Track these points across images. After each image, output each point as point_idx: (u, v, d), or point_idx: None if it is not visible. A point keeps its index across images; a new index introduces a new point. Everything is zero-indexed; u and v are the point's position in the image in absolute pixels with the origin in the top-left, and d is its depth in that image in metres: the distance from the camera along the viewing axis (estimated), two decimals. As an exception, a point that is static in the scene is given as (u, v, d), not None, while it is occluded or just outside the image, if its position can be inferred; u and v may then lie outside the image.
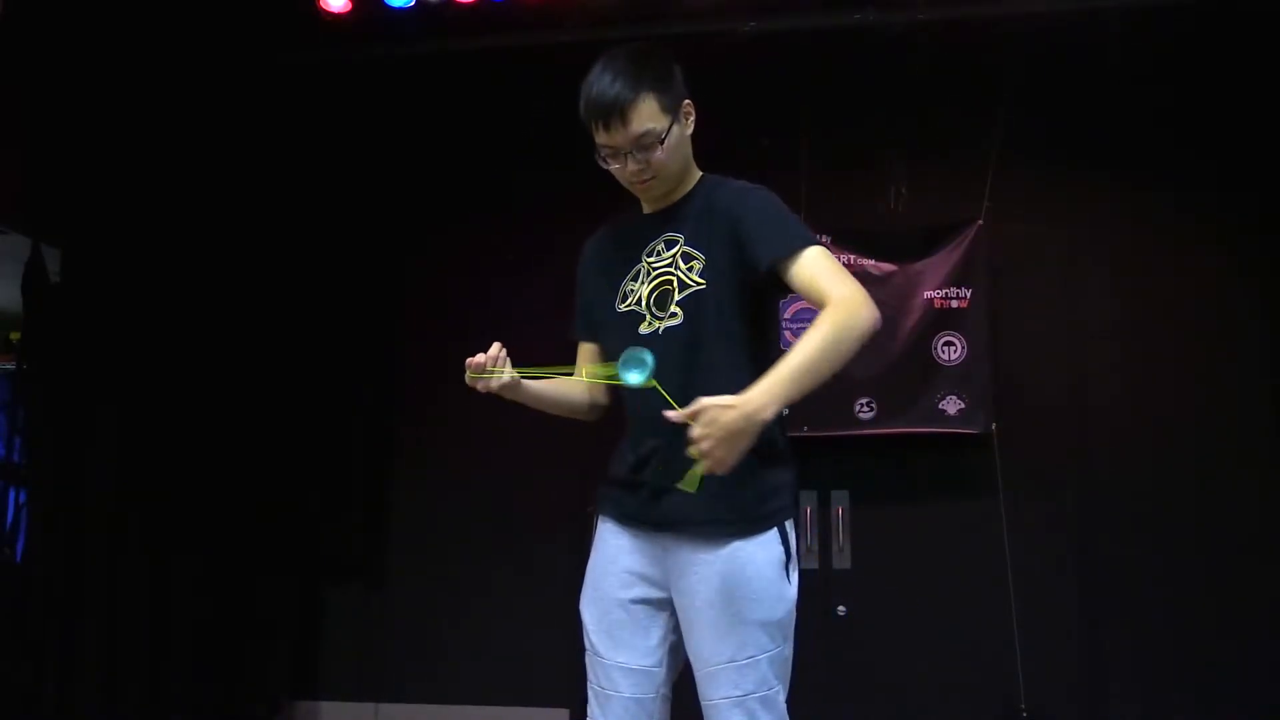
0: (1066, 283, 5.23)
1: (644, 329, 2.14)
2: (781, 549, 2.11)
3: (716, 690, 2.07)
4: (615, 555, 2.22)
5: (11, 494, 4.64)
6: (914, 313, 5.10)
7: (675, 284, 2.12)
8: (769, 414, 1.83)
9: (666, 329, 2.12)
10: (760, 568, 2.08)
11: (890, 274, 5.15)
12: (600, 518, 2.32)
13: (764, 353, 2.14)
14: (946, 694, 4.92)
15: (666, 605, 2.16)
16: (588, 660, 2.24)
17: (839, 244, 5.15)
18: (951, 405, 5.01)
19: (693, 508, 2.05)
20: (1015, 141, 5.12)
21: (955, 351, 5.05)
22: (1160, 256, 5.19)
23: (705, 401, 1.79)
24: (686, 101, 2.18)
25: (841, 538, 5.14)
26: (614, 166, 2.16)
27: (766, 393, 1.84)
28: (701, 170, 2.31)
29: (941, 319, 5.08)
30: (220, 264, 5.06)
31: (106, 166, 4.54)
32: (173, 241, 4.81)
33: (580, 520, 5.24)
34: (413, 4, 4.94)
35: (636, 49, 2.14)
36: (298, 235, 5.58)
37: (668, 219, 2.21)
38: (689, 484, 1.88)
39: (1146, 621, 4.93)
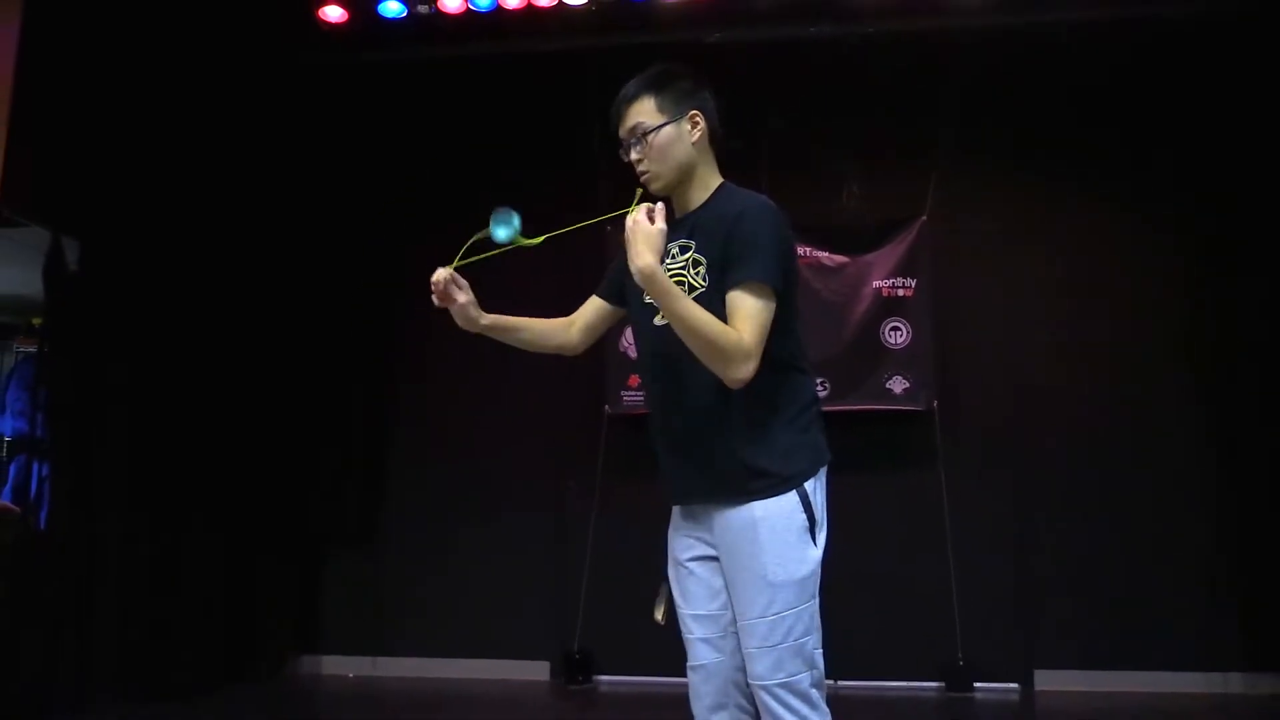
0: (1004, 273, 5.40)
1: (658, 321, 2.19)
2: (803, 513, 2.14)
3: (750, 640, 2.14)
4: (678, 523, 2.38)
5: (35, 467, 4.69)
6: (864, 300, 5.27)
7: (685, 286, 2.16)
8: (651, 273, 2.01)
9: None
10: (780, 531, 2.12)
11: (843, 265, 5.31)
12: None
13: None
14: (892, 645, 5.09)
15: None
16: (678, 612, 2.39)
17: (798, 237, 5.25)
18: (898, 384, 5.19)
19: (714, 478, 2.18)
20: (958, 144, 5.28)
21: (901, 336, 5.22)
22: (1090, 249, 5.36)
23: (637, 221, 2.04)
24: (694, 112, 2.23)
25: (797, 505, 5.28)
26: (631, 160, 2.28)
27: (665, 283, 2.03)
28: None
29: (889, 306, 5.26)
30: (229, 251, 5.15)
31: (122, 162, 4.62)
32: (184, 232, 4.90)
33: (557, 490, 5.41)
34: (405, 14, 5.01)
35: (666, 67, 2.28)
36: (302, 224, 5.67)
37: (685, 224, 2.26)
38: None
39: (1072, 581, 5.13)
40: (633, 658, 5.21)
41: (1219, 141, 5.21)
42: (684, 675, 5.54)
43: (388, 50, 5.26)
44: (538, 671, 5.34)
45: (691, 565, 2.30)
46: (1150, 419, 5.18)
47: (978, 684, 5.02)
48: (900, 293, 5.23)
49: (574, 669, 5.23)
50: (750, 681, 2.15)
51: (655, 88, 2.22)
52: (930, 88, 5.25)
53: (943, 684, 5.05)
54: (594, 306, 2.52)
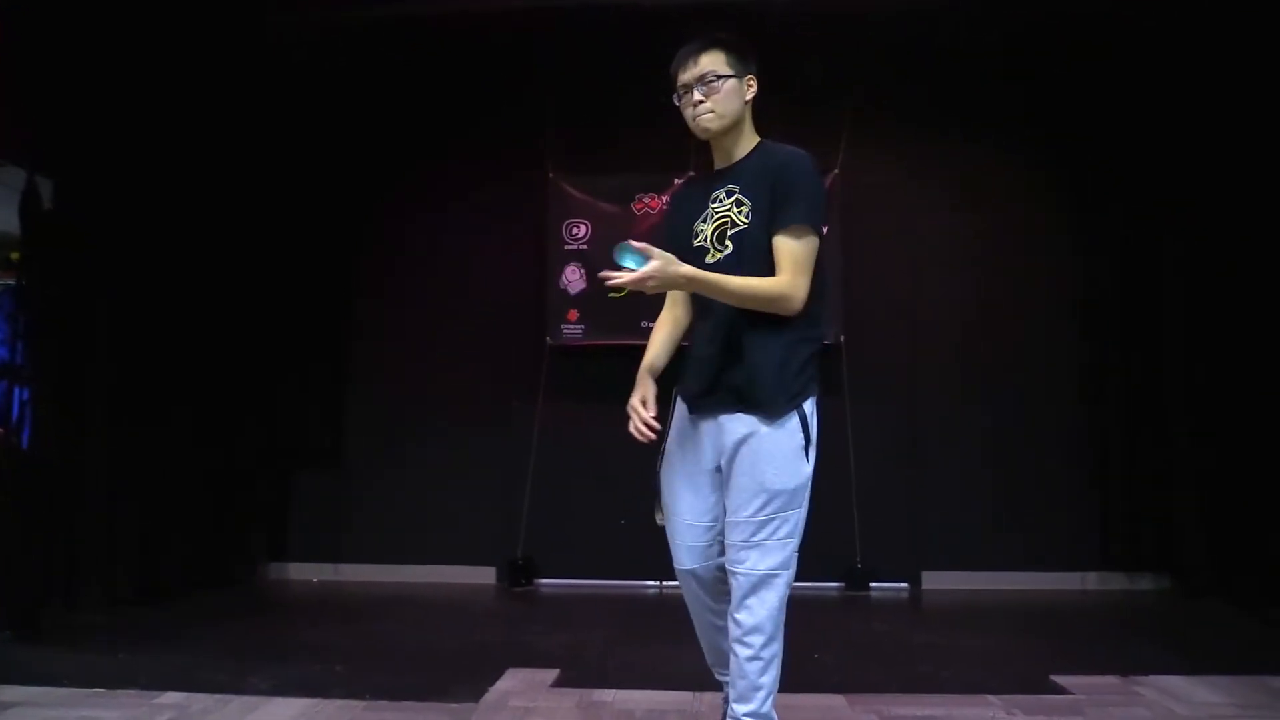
0: (907, 222, 5.70)
1: (709, 259, 2.40)
2: (801, 434, 2.35)
3: (738, 535, 2.35)
4: (690, 437, 2.54)
5: (16, 392, 4.71)
6: None
7: (729, 224, 2.39)
8: (686, 278, 2.27)
9: (722, 258, 2.39)
10: (781, 445, 2.34)
11: (763, 212, 5.54)
12: (677, 403, 2.61)
13: None
14: (802, 550, 5.35)
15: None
16: (667, 520, 2.65)
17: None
18: (809, 321, 5.47)
19: (734, 394, 2.38)
20: (868, 102, 5.56)
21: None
22: (987, 202, 5.68)
23: (659, 260, 2.22)
24: (750, 76, 2.45)
25: (719, 428, 5.59)
26: (683, 102, 2.44)
27: (697, 273, 2.28)
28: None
29: (804, 250, 5.50)
30: (198, 188, 5.21)
31: (93, 105, 4.65)
32: (154, 170, 4.96)
33: (502, 412, 5.66)
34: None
35: (736, 32, 2.47)
36: (270, 161, 5.72)
37: (730, 173, 2.46)
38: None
39: (956, 494, 5.55)
40: (569, 563, 5.61)
41: (1113, 102, 5.50)
42: (612, 578, 6.00)
43: (355, 8, 5.28)
44: (484, 576, 5.64)
45: (703, 475, 2.50)
46: (1028, 355, 5.57)
47: (873, 584, 5.41)
48: (814, 238, 5.52)
49: (517, 573, 5.56)
50: (732, 567, 2.36)
51: (727, 46, 2.44)
52: (845, 49, 5.46)
53: (843, 584, 5.42)
54: None
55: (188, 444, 5.13)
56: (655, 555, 5.50)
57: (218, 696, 3.21)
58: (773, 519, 2.34)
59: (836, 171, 5.53)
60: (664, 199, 5.63)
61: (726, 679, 2.60)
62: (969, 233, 5.67)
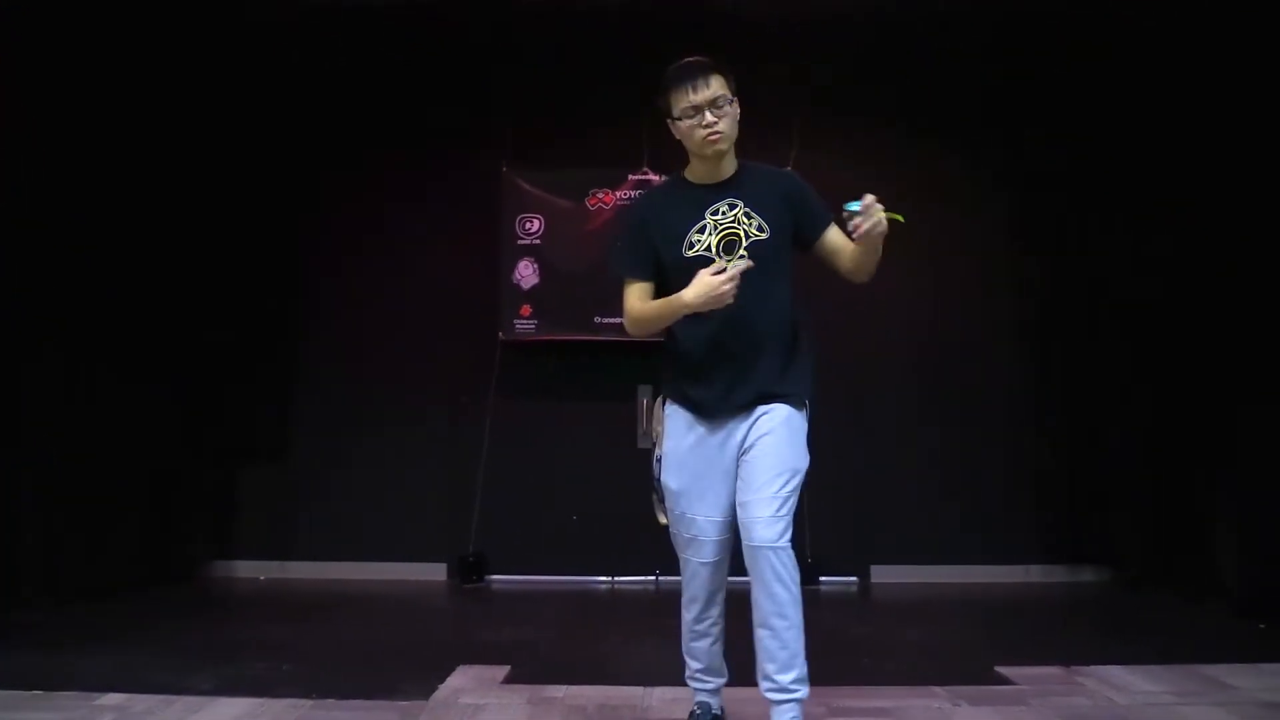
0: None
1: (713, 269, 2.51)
2: (806, 423, 2.58)
3: (764, 510, 2.44)
4: (699, 438, 2.59)
5: None
6: None
7: (741, 235, 2.52)
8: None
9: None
10: (796, 430, 2.54)
11: (716, 209, 5.55)
12: (677, 411, 2.63)
13: (793, 287, 2.64)
14: None
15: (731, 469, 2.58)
16: (678, 519, 2.65)
17: (675, 183, 5.54)
18: (761, 316, 5.49)
19: (762, 386, 2.52)
20: (819, 103, 5.62)
21: (765, 274, 5.51)
22: (937, 201, 5.65)
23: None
24: (736, 99, 2.56)
25: (671, 423, 5.62)
26: (689, 122, 2.50)
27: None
28: None
29: (755, 247, 5.53)
30: (144, 180, 5.12)
31: (35, 91, 4.53)
32: (95, 161, 4.84)
33: (454, 408, 5.61)
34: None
35: (710, 57, 2.56)
36: (216, 147, 5.63)
37: (724, 187, 2.59)
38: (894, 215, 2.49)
39: (903, 490, 5.61)
40: (521, 559, 5.59)
41: (1061, 103, 5.59)
42: (564, 574, 5.96)
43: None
44: (435, 573, 5.60)
45: (716, 477, 2.57)
46: (975, 353, 5.65)
47: (823, 578, 5.46)
48: (764, 235, 5.55)
49: (468, 570, 5.53)
50: (754, 544, 2.44)
51: (724, 70, 2.54)
52: (799, 49, 5.52)
53: (794, 578, 5.51)
54: (647, 288, 2.63)
55: (131, 439, 5.03)
56: (607, 551, 5.61)
57: (161, 697, 3.15)
58: (791, 495, 2.48)
59: (789, 169, 5.53)
60: (619, 195, 5.63)
61: (709, 684, 2.76)
62: (919, 231, 5.64)
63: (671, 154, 5.86)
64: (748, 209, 2.55)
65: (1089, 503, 5.56)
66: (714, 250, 2.52)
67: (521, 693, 3.27)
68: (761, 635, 2.49)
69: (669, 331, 2.65)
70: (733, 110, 2.53)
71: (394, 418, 5.68)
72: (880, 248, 2.50)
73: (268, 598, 5.22)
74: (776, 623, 2.45)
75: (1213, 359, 4.93)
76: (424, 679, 3.38)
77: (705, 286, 2.38)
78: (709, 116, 2.49)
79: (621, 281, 2.65)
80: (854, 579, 5.52)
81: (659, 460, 2.69)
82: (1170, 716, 2.99)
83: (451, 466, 5.65)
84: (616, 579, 5.59)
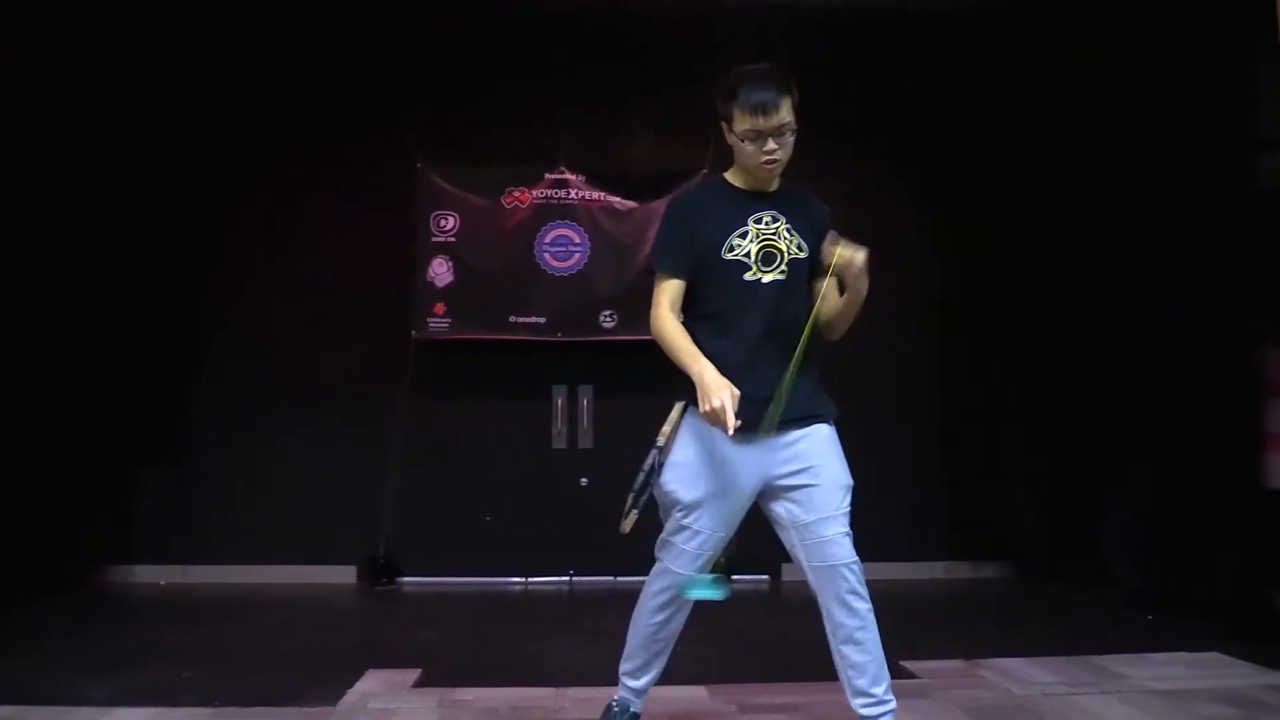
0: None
1: (748, 276, 2.50)
2: None
3: (833, 529, 2.46)
4: (726, 453, 2.48)
5: None
6: (650, 242, 5.46)
7: (781, 250, 2.52)
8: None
9: (774, 281, 2.52)
10: (840, 447, 2.57)
11: (632, 210, 5.65)
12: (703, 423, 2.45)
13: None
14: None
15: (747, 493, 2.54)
16: (677, 526, 2.56)
17: (592, 183, 5.61)
18: (677, 318, 5.53)
19: (805, 405, 2.51)
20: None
21: (680, 275, 5.54)
22: (848, 204, 5.53)
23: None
24: None
25: (586, 423, 5.70)
26: (750, 145, 2.47)
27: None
28: None
29: (671, 248, 5.56)
30: (41, 176, 4.91)
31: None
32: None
33: (365, 407, 5.52)
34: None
35: (779, 69, 2.50)
36: (130, 150, 5.47)
37: (769, 199, 2.57)
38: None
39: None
40: (433, 560, 5.53)
41: (968, 108, 5.73)
42: (477, 575, 5.90)
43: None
44: (344, 575, 5.51)
45: (735, 494, 2.50)
46: (884, 355, 5.71)
47: (735, 577, 5.43)
48: (682, 236, 5.59)
49: (379, 572, 5.45)
50: (832, 564, 2.44)
51: (791, 95, 2.47)
52: (714, 50, 5.50)
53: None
54: (681, 287, 2.56)
55: (24, 441, 4.81)
56: (520, 552, 5.58)
57: (54, 709, 3.04)
58: (849, 510, 2.51)
59: (705, 172, 5.58)
60: (535, 193, 5.60)
61: (640, 683, 2.74)
62: (840, 228, 5.77)
63: (591, 154, 5.91)
64: (790, 225, 2.55)
65: (992, 502, 5.74)
66: (752, 258, 2.50)
67: (432, 696, 3.24)
68: (847, 652, 2.46)
69: (696, 342, 2.51)
70: (793, 136, 2.49)
71: (303, 417, 5.56)
72: (858, 306, 2.55)
73: (168, 603, 5.07)
74: (863, 636, 2.45)
75: (1102, 360, 5.15)
76: (331, 684, 3.32)
77: (721, 400, 2.25)
78: (770, 144, 2.46)
79: (654, 276, 2.57)
80: (765, 577, 5.57)
81: (660, 466, 2.55)
82: (1065, 706, 3.11)
83: (362, 466, 5.55)
84: (530, 580, 5.57)
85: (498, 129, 5.67)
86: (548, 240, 5.58)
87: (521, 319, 5.53)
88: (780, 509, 2.53)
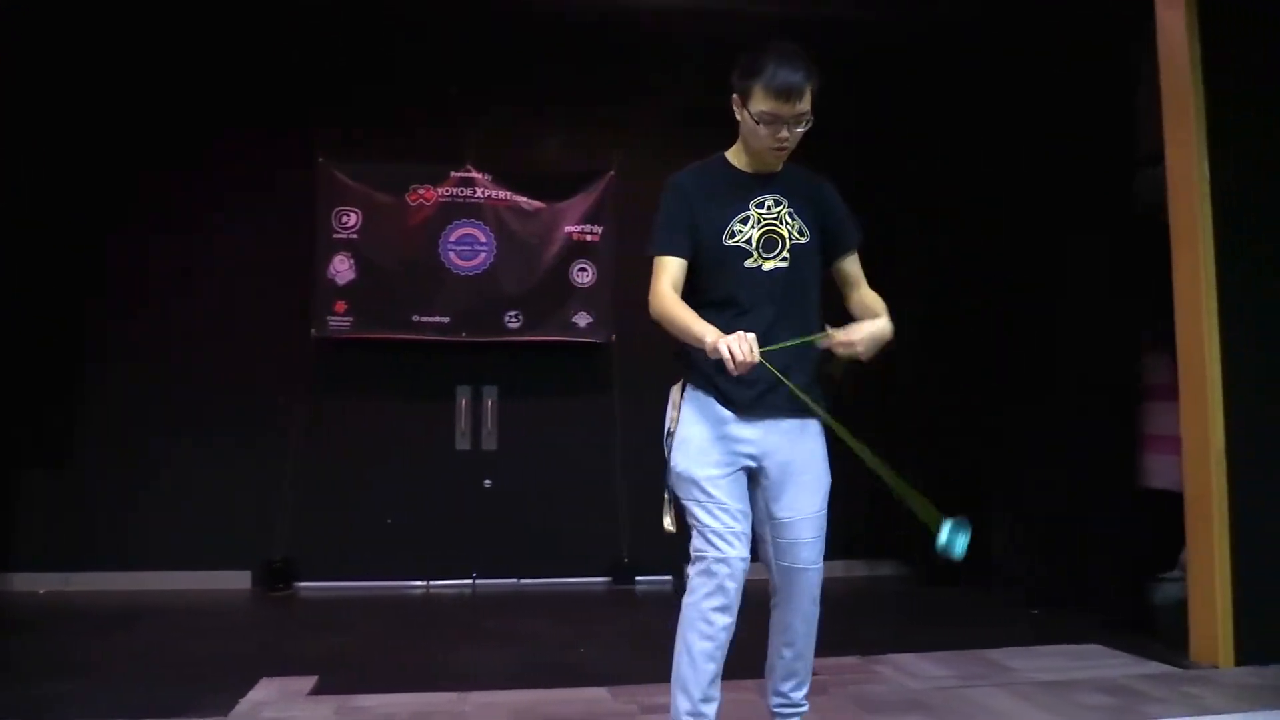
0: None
1: (749, 263, 2.39)
2: None
3: (808, 531, 2.40)
4: (730, 434, 2.40)
5: None
6: (556, 243, 5.62)
7: (783, 235, 2.41)
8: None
9: (776, 268, 2.41)
10: (824, 447, 2.49)
11: (539, 210, 5.63)
12: (705, 399, 2.43)
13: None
14: (568, 545, 5.54)
15: (749, 471, 2.44)
16: (706, 510, 2.37)
17: (499, 183, 5.56)
18: (582, 319, 5.60)
19: (795, 401, 2.38)
20: (643, 110, 5.70)
21: (587, 276, 5.62)
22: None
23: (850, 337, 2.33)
24: None
25: (490, 424, 5.65)
26: (764, 128, 2.34)
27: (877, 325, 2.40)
28: None
29: (578, 249, 5.64)
30: None
31: None
32: None
33: (261, 407, 5.37)
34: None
35: (801, 51, 2.36)
36: (11, 130, 5.11)
37: (770, 182, 2.46)
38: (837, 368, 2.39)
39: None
40: (332, 564, 5.41)
41: (879, 107, 5.81)
42: (377, 579, 5.80)
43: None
44: (239, 580, 5.34)
45: (740, 472, 2.42)
46: None
47: (639, 577, 5.55)
48: (588, 238, 5.63)
49: (275, 577, 5.30)
50: (798, 566, 2.40)
51: (817, 82, 2.34)
52: (623, 57, 5.61)
53: (610, 578, 5.55)
54: (682, 267, 2.42)
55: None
56: (422, 555, 5.50)
57: (-82, 725, 2.88)
58: (825, 512, 2.46)
59: (612, 174, 5.64)
60: (440, 191, 5.53)
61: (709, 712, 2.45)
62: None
63: (498, 153, 5.85)
64: (791, 209, 2.44)
65: (888, 501, 5.85)
66: (754, 244, 2.40)
67: (329, 704, 3.16)
68: (786, 654, 2.47)
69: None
70: (809, 126, 2.38)
71: (196, 417, 5.36)
72: (880, 340, 2.39)
73: (49, 613, 4.81)
74: (804, 643, 2.46)
75: (996, 364, 5.35)
76: (224, 694, 3.21)
77: (739, 352, 2.15)
78: (784, 132, 2.35)
79: (652, 259, 2.44)
80: (669, 578, 5.58)
81: (671, 447, 2.49)
82: (956, 699, 3.21)
83: (259, 469, 5.39)
84: (432, 583, 5.50)
85: (403, 125, 5.58)
86: (453, 239, 5.52)
87: (425, 318, 5.46)
88: (760, 498, 2.44)
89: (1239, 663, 3.49)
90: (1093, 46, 4.61)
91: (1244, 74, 3.72)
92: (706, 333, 2.24)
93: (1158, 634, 3.95)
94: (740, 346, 2.16)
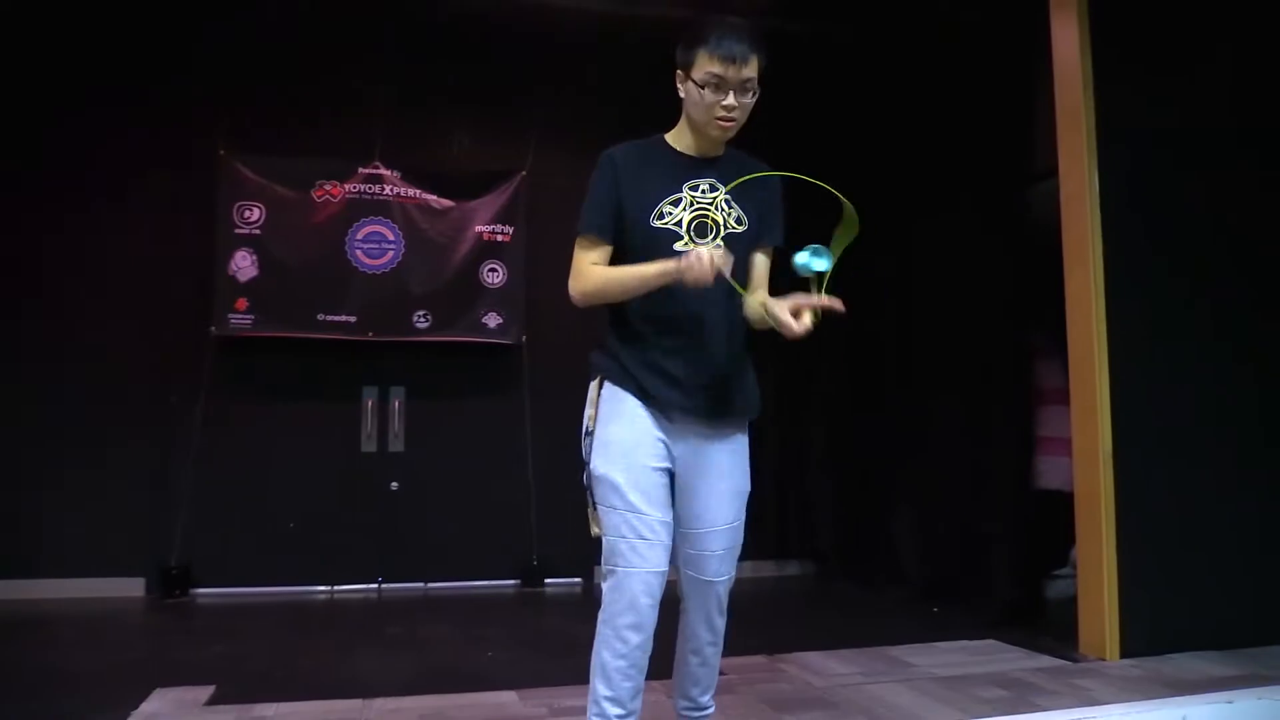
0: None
1: (679, 246, 2.25)
2: None
3: (719, 543, 2.31)
4: (652, 434, 2.28)
5: None
6: (467, 243, 5.56)
7: (717, 222, 2.31)
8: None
9: None
10: (748, 454, 2.41)
11: (449, 209, 5.56)
12: (625, 396, 2.31)
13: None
14: (476, 548, 5.52)
15: (671, 474, 2.32)
16: (621, 518, 2.23)
17: (408, 180, 5.48)
18: (492, 320, 5.55)
19: (737, 400, 2.34)
20: (556, 112, 5.68)
21: (497, 277, 5.57)
22: None
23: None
24: None
25: (398, 425, 5.56)
26: (708, 94, 2.22)
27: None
28: None
29: (488, 249, 5.59)
30: None
31: None
32: None
33: (157, 408, 5.19)
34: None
35: (752, 28, 2.26)
36: None
37: (706, 165, 2.35)
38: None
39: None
40: (231, 570, 5.25)
41: (806, 110, 5.67)
42: (278, 584, 5.68)
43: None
44: (132, 588, 5.14)
45: (663, 474, 2.29)
46: None
47: (548, 580, 5.54)
48: (499, 238, 5.59)
49: (170, 583, 5.13)
50: (708, 578, 2.32)
51: (764, 54, 2.25)
52: (537, 60, 5.61)
53: (519, 581, 5.52)
54: (605, 253, 2.34)
55: None
56: (326, 559, 5.39)
57: None
58: (741, 524, 2.38)
59: (524, 173, 5.61)
60: (348, 188, 5.42)
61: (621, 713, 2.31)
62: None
63: (407, 150, 5.78)
64: (728, 196, 2.33)
65: (795, 502, 6.01)
66: (684, 227, 2.28)
67: (227, 713, 3.08)
68: (693, 662, 2.44)
69: (619, 312, 2.35)
70: (754, 100, 2.27)
71: (87, 416, 5.14)
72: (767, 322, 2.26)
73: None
74: (710, 651, 2.43)
75: (898, 367, 5.49)
76: (115, 705, 3.09)
77: (703, 260, 2.05)
78: (731, 99, 2.22)
79: (575, 240, 2.35)
80: (578, 580, 5.60)
81: (589, 448, 2.35)
82: (860, 695, 3.29)
83: (154, 471, 5.21)
84: (336, 588, 5.39)
85: (309, 117, 5.45)
86: (360, 236, 5.42)
87: (331, 317, 5.35)
88: (676, 504, 2.32)
89: (1123, 655, 3.65)
90: (991, 60, 4.77)
91: (1136, 90, 3.90)
92: (665, 265, 2.14)
93: (1049, 629, 4.11)
94: (712, 253, 2.07)
